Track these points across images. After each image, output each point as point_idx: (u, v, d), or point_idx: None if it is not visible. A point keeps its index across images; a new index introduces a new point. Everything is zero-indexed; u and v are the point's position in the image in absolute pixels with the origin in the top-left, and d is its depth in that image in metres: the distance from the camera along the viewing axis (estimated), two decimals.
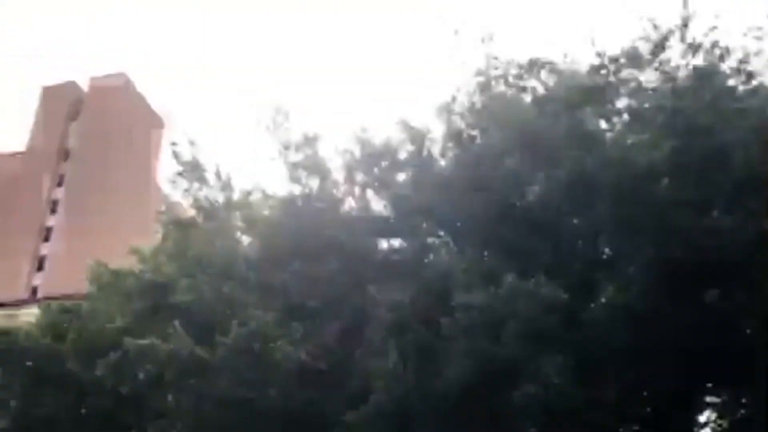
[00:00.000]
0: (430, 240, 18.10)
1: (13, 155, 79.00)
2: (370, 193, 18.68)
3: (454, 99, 18.30)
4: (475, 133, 17.99)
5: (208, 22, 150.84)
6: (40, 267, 68.34)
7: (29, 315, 26.71)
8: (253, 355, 15.17)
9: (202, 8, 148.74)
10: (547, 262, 14.89)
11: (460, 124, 18.16)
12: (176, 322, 15.84)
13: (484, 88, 18.11)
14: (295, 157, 19.14)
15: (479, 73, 18.23)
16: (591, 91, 16.23)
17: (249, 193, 20.40)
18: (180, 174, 20.49)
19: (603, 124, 16.84)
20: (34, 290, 62.98)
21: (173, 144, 20.70)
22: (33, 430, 19.87)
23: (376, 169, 18.30)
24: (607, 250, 16.18)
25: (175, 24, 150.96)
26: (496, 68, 18.28)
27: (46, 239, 70.31)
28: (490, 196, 15.67)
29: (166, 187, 22.15)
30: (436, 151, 18.51)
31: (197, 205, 20.49)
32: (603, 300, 14.14)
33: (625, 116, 16.59)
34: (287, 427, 15.80)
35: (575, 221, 15.35)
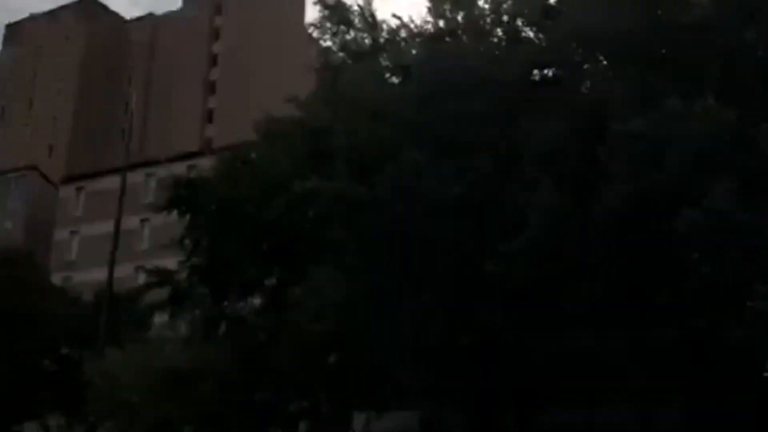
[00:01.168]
0: (585, 66, 17.11)
1: (170, 15, 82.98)
2: (519, 22, 17.75)
3: None
4: None
5: None
6: (209, 119, 73.45)
7: (205, 164, 29.32)
8: (408, 192, 15.68)
9: None
10: (716, 80, 13.69)
11: None
12: (337, 164, 16.65)
13: None
14: None
15: None
16: None
17: (395, 33, 20.13)
18: (325, 18, 20.59)
19: None
20: (207, 141, 68.14)
21: None
22: (223, 264, 22.54)
23: None
24: None
25: None
26: None
27: (212, 92, 74.74)
28: (651, 11, 14.33)
29: (314, 33, 22.41)
30: None
31: (345, 48, 20.63)
32: None
33: None
34: (443, 258, 16.43)
35: (750, 35, 13.71)
